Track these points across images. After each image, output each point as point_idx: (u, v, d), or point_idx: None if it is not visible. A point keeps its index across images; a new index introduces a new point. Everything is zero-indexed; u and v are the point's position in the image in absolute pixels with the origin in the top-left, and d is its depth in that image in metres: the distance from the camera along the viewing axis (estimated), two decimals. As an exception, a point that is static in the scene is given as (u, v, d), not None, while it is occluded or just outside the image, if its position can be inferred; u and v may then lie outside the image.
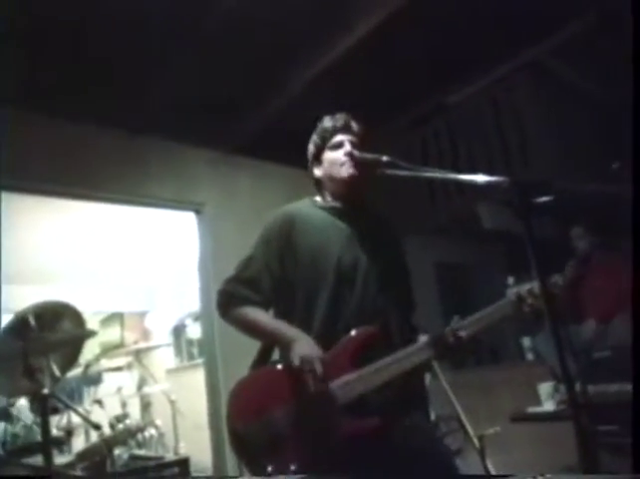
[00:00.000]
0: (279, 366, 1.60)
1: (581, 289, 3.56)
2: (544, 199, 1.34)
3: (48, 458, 1.83)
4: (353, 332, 1.57)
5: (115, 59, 3.32)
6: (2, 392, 2.77)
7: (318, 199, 1.87)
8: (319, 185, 1.88)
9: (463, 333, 1.55)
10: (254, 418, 1.50)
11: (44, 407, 1.87)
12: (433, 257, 5.31)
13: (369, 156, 1.72)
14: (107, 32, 3.09)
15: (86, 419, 2.52)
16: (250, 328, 1.69)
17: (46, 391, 1.92)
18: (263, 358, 1.70)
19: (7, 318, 2.84)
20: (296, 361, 1.48)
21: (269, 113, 4.02)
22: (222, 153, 4.50)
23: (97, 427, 2.27)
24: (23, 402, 3.35)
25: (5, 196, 3.65)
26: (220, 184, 4.46)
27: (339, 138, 1.81)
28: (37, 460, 2.36)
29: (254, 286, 1.69)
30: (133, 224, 5.30)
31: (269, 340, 1.70)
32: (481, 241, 5.27)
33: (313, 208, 1.82)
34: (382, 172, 1.65)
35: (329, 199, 1.84)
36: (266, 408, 1.50)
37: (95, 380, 4.81)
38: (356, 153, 1.75)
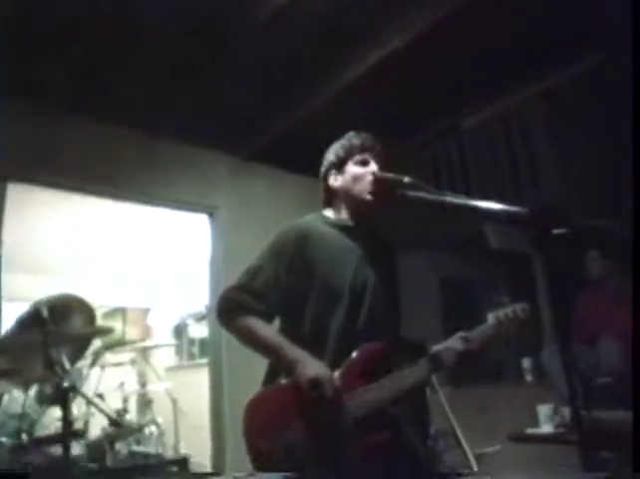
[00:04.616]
0: (294, 383, 1.59)
1: (591, 312, 3.60)
2: (562, 230, 1.40)
3: (67, 450, 1.88)
4: (361, 349, 1.62)
5: (141, 64, 3.40)
6: (19, 382, 2.80)
7: (328, 214, 1.87)
8: (333, 196, 1.88)
9: (457, 351, 1.66)
10: (275, 434, 1.51)
11: (65, 399, 1.91)
12: (438, 273, 5.36)
13: (391, 176, 1.74)
14: (137, 38, 3.16)
15: (107, 415, 2.55)
16: (251, 340, 1.67)
17: (67, 384, 1.96)
18: (275, 373, 1.69)
19: (15, 307, 2.89)
20: (305, 383, 1.49)
21: (288, 122, 4.08)
22: (240, 159, 4.57)
23: (116, 424, 2.30)
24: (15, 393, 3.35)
25: (22, 188, 3.72)
26: (236, 189, 4.53)
27: (365, 156, 1.83)
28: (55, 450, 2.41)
29: (260, 297, 1.67)
30: (142, 221, 5.37)
31: (270, 357, 1.68)
32: (487, 260, 5.32)
33: (324, 224, 1.81)
34: (403, 193, 1.67)
35: (343, 214, 1.85)
36: (285, 424, 1.52)
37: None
38: (379, 172, 1.79)
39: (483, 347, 1.69)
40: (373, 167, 1.81)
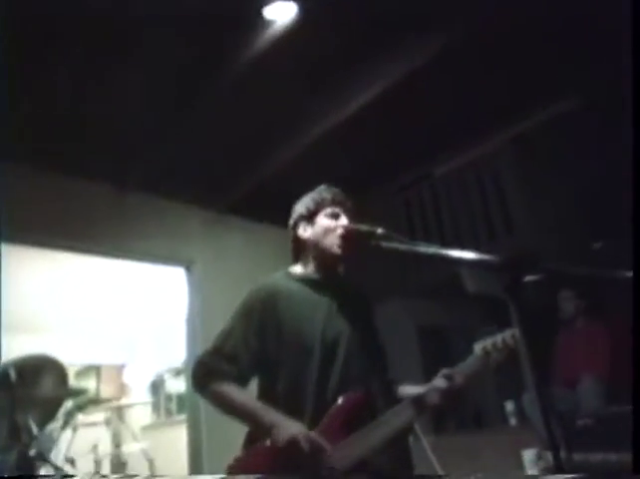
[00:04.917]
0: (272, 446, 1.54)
1: (565, 352, 3.63)
2: (533, 277, 1.42)
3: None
4: (340, 400, 1.59)
5: (114, 118, 3.44)
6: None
7: (294, 270, 1.84)
8: (301, 247, 1.84)
9: (442, 391, 1.62)
10: None
11: (31, 469, 1.81)
12: (415, 321, 5.35)
13: (364, 227, 1.71)
14: (108, 92, 3.21)
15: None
16: (226, 407, 1.64)
17: (33, 452, 1.86)
18: (254, 436, 1.64)
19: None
20: (283, 444, 1.46)
21: (263, 175, 4.13)
22: (216, 212, 4.59)
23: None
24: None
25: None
26: (212, 242, 4.53)
27: (336, 209, 1.81)
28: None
29: (233, 360, 1.64)
30: (118, 277, 5.30)
31: (246, 423, 1.64)
32: (464, 304, 5.34)
33: (291, 281, 1.78)
34: (376, 244, 1.65)
35: (310, 267, 1.81)
36: None
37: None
38: (351, 225, 1.76)
39: (469, 383, 1.64)
40: (343, 220, 1.78)
